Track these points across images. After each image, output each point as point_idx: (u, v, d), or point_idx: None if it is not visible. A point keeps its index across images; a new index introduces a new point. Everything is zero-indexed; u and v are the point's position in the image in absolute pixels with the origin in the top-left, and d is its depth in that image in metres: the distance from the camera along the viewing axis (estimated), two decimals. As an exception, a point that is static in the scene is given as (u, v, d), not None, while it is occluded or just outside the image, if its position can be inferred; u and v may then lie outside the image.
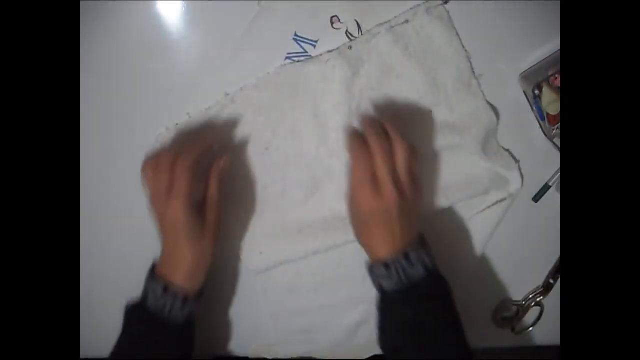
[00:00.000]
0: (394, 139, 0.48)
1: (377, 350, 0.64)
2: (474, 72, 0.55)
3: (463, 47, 0.54)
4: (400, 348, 0.49)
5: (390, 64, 0.54)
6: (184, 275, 0.50)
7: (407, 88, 0.55)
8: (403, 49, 0.53)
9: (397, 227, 0.48)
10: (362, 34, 0.53)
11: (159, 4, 0.52)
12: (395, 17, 0.53)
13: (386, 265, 0.49)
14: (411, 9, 0.53)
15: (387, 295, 0.50)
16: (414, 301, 0.49)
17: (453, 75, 0.55)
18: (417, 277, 0.49)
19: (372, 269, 0.51)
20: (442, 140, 0.57)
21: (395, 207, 0.47)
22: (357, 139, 0.50)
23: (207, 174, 0.51)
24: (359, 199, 0.49)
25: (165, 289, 0.49)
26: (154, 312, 0.50)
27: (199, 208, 0.50)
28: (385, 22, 0.53)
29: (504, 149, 0.59)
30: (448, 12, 0.53)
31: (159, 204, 0.49)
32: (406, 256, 0.48)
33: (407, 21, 0.53)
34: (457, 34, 0.54)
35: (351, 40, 0.54)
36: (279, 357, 0.66)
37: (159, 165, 0.49)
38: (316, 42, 0.54)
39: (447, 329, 0.49)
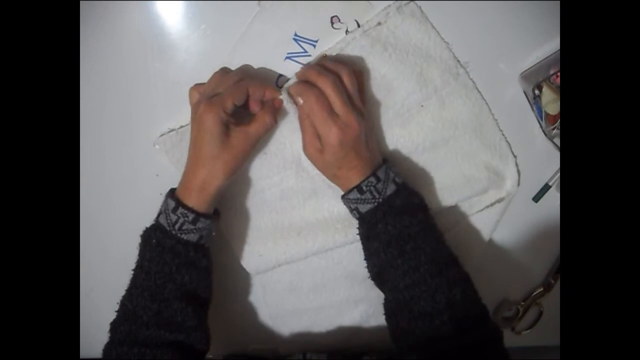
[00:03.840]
0: (336, 69, 0.50)
1: (377, 349, 0.64)
2: (459, 61, 0.55)
3: (442, 38, 0.54)
4: (388, 262, 0.50)
5: (372, 66, 0.54)
6: (195, 192, 0.49)
7: (394, 87, 0.54)
8: (382, 50, 0.53)
9: (364, 151, 0.50)
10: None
11: (159, 4, 0.52)
12: (367, 21, 0.53)
13: (359, 189, 0.50)
14: (382, 10, 0.52)
15: (365, 218, 0.51)
16: (392, 215, 0.50)
17: (438, 67, 0.54)
18: (389, 192, 0.51)
19: (347, 198, 0.52)
20: (436, 136, 0.57)
21: (361, 132, 0.49)
22: (303, 85, 0.50)
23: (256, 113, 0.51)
24: (327, 139, 0.49)
25: (177, 206, 0.49)
26: (164, 228, 0.50)
27: (230, 132, 0.49)
28: (358, 28, 0.53)
29: (506, 140, 0.58)
30: (420, 8, 0.52)
31: (196, 106, 0.49)
32: (375, 176, 0.51)
33: (379, 23, 0.53)
34: (434, 27, 0.53)
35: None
36: (279, 357, 0.66)
37: (224, 76, 0.50)
38: (316, 42, 0.54)
39: (427, 235, 0.51)
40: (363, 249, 0.54)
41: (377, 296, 0.62)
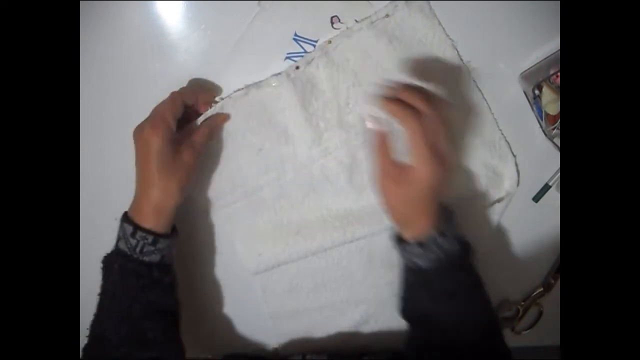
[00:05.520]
0: (423, 108, 0.45)
1: (377, 349, 0.64)
2: (462, 59, 0.55)
3: (447, 35, 0.54)
4: (433, 314, 0.49)
5: (375, 58, 0.53)
6: (150, 214, 0.49)
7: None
8: (387, 42, 0.53)
9: (433, 202, 0.47)
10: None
11: (159, 4, 0.52)
12: (376, 12, 0.53)
13: (421, 245, 0.48)
14: (391, 2, 0.52)
15: (422, 272, 0.49)
16: (452, 272, 0.49)
17: (441, 65, 0.54)
18: (453, 251, 0.48)
19: (404, 248, 0.50)
20: None
21: (437, 182, 0.46)
22: (407, 107, 0.46)
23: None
24: (419, 169, 0.45)
25: (135, 230, 0.49)
26: (125, 253, 0.49)
27: (178, 149, 0.50)
28: (366, 18, 0.53)
29: (505, 140, 0.58)
30: (429, 3, 0.53)
31: (139, 130, 0.49)
32: (442, 234, 0.48)
33: (387, 15, 0.53)
34: (440, 24, 0.53)
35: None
36: (279, 357, 0.66)
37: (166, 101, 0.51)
38: (316, 42, 0.54)
39: (477, 292, 0.50)
40: (402, 283, 0.53)
41: (377, 296, 0.62)
